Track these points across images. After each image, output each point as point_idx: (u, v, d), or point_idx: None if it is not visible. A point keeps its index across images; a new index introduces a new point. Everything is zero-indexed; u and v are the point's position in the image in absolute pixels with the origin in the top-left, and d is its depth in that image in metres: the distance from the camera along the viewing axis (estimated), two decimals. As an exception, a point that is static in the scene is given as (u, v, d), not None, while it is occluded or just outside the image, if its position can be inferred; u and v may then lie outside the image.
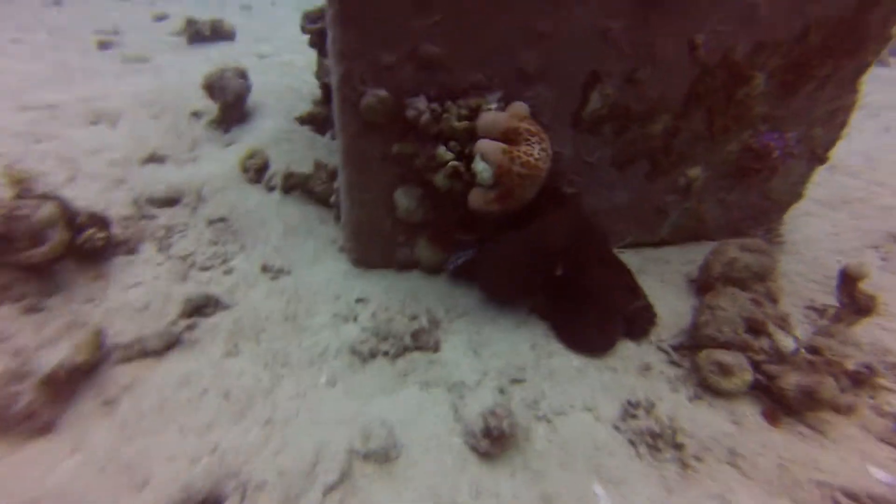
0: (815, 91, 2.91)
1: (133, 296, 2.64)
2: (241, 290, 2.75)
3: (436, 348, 2.52)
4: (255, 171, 3.52)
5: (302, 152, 3.69)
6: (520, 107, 2.48)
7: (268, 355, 2.40)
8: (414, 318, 2.58)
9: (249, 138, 3.92)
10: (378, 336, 2.50)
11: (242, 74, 4.23)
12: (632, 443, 2.10)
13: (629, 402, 2.23)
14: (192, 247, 2.96)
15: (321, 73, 4.28)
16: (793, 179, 3.20)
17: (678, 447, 2.04)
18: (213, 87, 4.05)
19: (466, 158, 2.53)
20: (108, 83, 4.68)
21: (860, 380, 2.33)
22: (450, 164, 2.51)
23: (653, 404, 2.22)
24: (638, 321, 2.73)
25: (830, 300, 2.87)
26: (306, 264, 2.96)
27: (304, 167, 3.50)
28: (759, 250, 2.57)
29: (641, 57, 2.57)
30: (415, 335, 2.52)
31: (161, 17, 7.04)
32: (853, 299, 2.54)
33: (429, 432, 2.13)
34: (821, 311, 2.72)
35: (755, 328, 2.25)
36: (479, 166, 2.39)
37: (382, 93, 2.44)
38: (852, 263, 2.23)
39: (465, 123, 2.46)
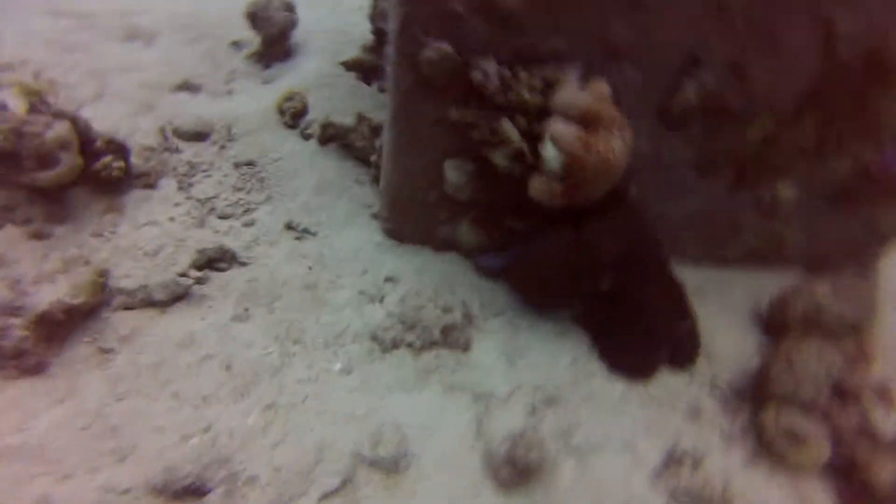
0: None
1: (145, 236, 2.42)
2: (260, 246, 2.50)
3: (466, 347, 2.26)
4: (293, 115, 3.21)
5: (345, 101, 3.36)
6: (601, 86, 2.10)
7: (280, 327, 2.17)
8: (447, 310, 2.31)
9: (291, 78, 3.59)
10: (404, 324, 2.25)
11: (289, 7, 3.86)
12: (673, 501, 1.83)
13: (674, 451, 1.95)
14: (215, 190, 2.71)
15: (376, 16, 3.88)
16: (904, 211, 2.75)
17: (731, 522, 1.76)
18: (256, 17, 3.70)
19: (533, 138, 2.18)
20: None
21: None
22: (515, 142, 2.17)
23: (701, 459, 1.93)
24: (683, 347, 2.42)
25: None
26: (335, 228, 2.69)
27: (346, 118, 3.18)
28: (857, 296, 2.20)
29: (758, 40, 2.13)
30: (445, 330, 2.25)
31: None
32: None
33: (446, 446, 1.89)
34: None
35: (844, 394, 1.92)
36: (549, 152, 2.04)
37: (446, 47, 2.08)
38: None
39: (538, 97, 2.10)
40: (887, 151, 2.46)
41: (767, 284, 2.83)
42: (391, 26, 2.18)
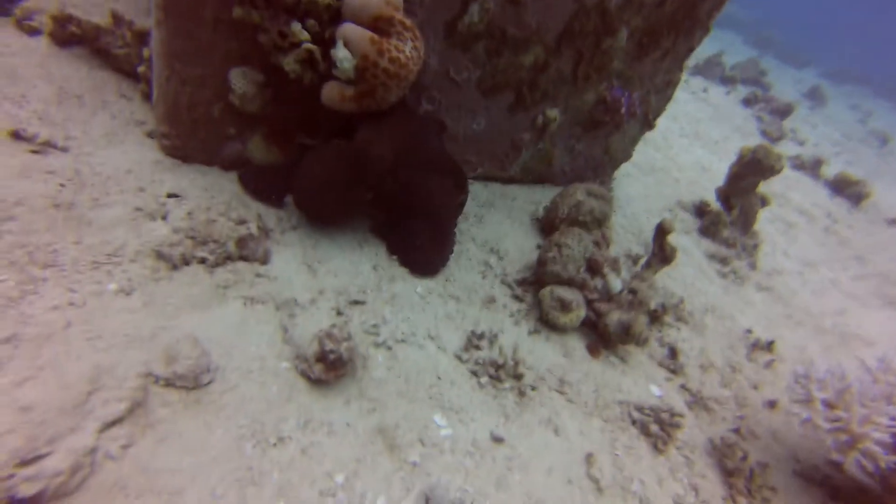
0: (658, 60, 3.12)
1: None
2: None
3: (264, 260, 2.15)
4: None
5: (93, -3, 2.76)
6: (395, -5, 2.13)
7: (17, 252, 1.74)
8: (241, 222, 2.15)
9: None
10: (195, 240, 2.02)
11: None
12: (474, 373, 2.07)
13: (473, 333, 2.19)
14: None
15: None
16: (627, 140, 3.48)
17: (518, 377, 2.07)
18: None
19: (324, 44, 2.12)
20: None
21: (655, 317, 2.67)
22: (304, 45, 2.07)
23: (496, 336, 2.21)
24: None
25: (640, 250, 3.24)
26: (96, 145, 2.24)
27: (95, 16, 2.63)
28: (601, 197, 2.72)
29: (528, -25, 2.42)
30: (240, 242, 2.10)
31: None
32: (662, 249, 2.87)
33: (251, 354, 1.79)
34: (634, 259, 3.04)
35: (593, 268, 2.39)
36: (341, 54, 2.01)
37: (224, -74, 1.86)
38: (666, 219, 2.49)
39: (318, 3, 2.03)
40: (614, 88, 3.07)
41: (542, 196, 3.32)
42: None
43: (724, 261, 3.58)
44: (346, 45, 2.00)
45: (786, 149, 6.93)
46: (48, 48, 2.47)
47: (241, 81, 2.21)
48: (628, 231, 3.44)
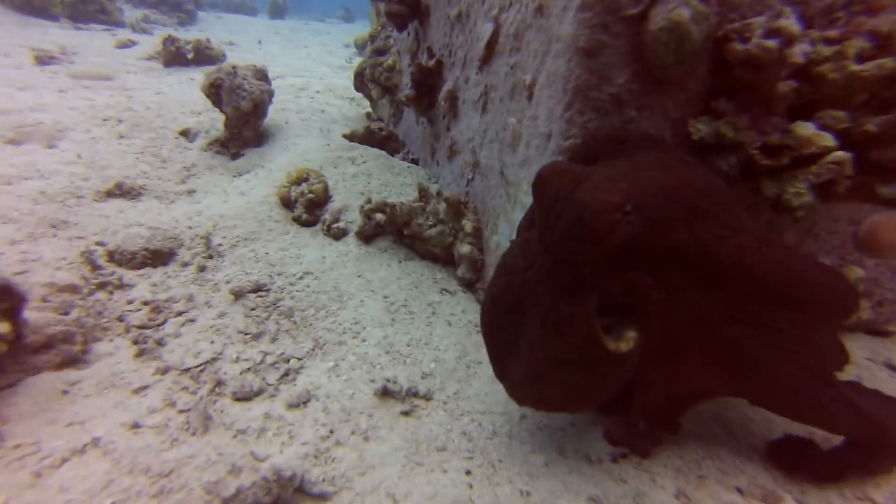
0: None
1: (75, 488, 1.02)
2: (342, 446, 1.18)
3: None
4: (308, 205, 2.03)
5: (381, 176, 2.26)
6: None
7: None
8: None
9: (285, 160, 2.45)
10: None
11: (262, 75, 2.84)
12: None
13: None
14: (212, 345, 1.39)
15: (365, 75, 2.98)
16: None
17: None
18: (219, 90, 2.62)
19: (856, 146, 1.21)
20: (44, 96, 3.14)
21: None
22: (831, 157, 1.17)
23: None
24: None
25: None
26: (456, 377, 1.44)
27: (395, 197, 2.06)
28: None
29: None
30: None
31: (126, 45, 5.61)
32: None
33: None
34: None
35: None
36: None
37: (698, 3, 1.11)
38: None
39: (877, 66, 1.15)
40: None
41: None
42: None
43: None
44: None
45: None
46: (356, 248, 1.88)
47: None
48: None
